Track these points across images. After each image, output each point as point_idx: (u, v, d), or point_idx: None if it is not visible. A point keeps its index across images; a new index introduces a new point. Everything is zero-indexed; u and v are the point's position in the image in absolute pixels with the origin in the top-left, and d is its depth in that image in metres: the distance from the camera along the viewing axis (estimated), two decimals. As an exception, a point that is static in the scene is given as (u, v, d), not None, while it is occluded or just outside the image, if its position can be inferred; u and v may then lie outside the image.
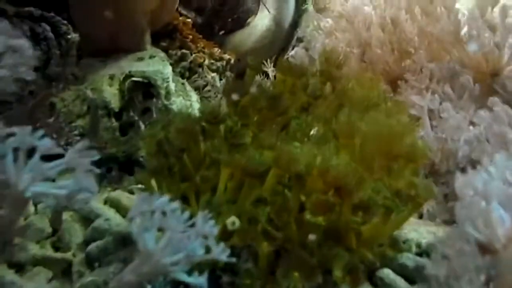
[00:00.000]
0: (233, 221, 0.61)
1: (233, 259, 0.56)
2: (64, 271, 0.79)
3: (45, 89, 0.99)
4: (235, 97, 0.72)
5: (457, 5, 1.15)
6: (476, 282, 0.55)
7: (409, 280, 0.79)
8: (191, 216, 0.56)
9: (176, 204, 0.56)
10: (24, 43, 0.67)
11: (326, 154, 0.62)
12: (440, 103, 1.05)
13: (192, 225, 0.56)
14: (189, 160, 0.70)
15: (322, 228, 0.64)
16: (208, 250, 0.56)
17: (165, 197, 0.55)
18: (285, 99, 0.74)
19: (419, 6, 1.18)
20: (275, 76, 1.29)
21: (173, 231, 0.55)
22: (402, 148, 0.68)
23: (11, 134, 0.52)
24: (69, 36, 1.15)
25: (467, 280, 0.55)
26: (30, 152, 0.53)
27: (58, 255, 0.80)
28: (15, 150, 0.52)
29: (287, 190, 0.64)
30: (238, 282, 0.67)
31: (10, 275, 0.67)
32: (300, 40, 1.43)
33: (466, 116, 1.01)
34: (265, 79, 1.31)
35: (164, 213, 0.57)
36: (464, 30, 1.11)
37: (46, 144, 0.53)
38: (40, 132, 0.53)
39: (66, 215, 0.89)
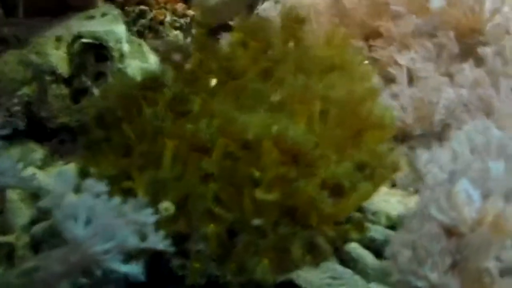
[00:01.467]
0: (166, 207, 0.55)
1: (171, 248, 0.51)
2: (8, 254, 0.74)
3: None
4: (176, 57, 0.64)
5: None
6: (440, 267, 0.50)
7: (378, 253, 0.75)
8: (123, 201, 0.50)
9: (104, 187, 0.49)
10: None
11: (282, 122, 0.56)
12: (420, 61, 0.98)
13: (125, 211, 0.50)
14: (130, 131, 0.63)
15: (277, 207, 0.58)
16: (143, 237, 0.50)
17: (93, 180, 0.49)
18: (239, 63, 0.67)
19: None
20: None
21: (104, 217, 0.49)
22: (364, 116, 0.61)
23: None
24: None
25: (431, 264, 0.50)
26: None
27: (0, 238, 0.74)
28: None
29: (236, 163, 0.58)
30: (189, 265, 0.62)
31: None
32: (271, -7, 1.34)
33: (445, 74, 0.95)
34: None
35: (96, 196, 0.50)
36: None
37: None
38: None
39: (13, 194, 0.83)
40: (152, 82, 0.64)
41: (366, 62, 0.88)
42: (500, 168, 0.49)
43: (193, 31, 1.23)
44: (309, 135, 0.57)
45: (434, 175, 0.50)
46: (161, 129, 0.63)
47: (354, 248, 0.76)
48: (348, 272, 0.71)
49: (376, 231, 0.77)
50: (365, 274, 0.73)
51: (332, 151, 0.58)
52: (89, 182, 0.50)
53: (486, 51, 0.89)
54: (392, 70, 0.97)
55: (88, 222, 0.49)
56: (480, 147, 0.52)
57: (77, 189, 0.51)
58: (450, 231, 0.49)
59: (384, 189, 0.85)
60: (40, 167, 0.91)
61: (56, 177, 0.50)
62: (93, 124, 0.65)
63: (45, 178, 0.84)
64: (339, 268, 0.72)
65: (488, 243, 0.49)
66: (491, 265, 0.49)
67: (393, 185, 0.90)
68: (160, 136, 0.63)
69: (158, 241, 0.50)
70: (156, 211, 0.52)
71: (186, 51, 0.67)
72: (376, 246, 0.76)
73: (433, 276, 0.51)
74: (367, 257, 0.75)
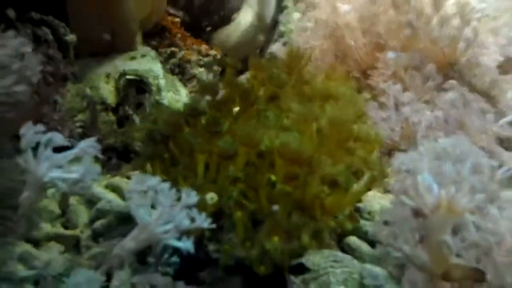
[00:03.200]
0: (211, 197, 0.73)
1: (213, 225, 0.69)
2: (73, 245, 0.92)
3: (49, 88, 1.10)
4: (208, 96, 0.84)
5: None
6: (410, 241, 0.68)
7: (372, 244, 0.92)
8: (178, 193, 0.69)
9: (165, 184, 0.68)
10: (29, 50, 0.78)
11: (286, 136, 0.74)
12: (406, 90, 1.17)
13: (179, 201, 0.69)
14: (174, 147, 0.82)
15: (290, 197, 0.76)
16: (193, 220, 0.68)
17: (156, 178, 0.68)
18: (254, 93, 0.86)
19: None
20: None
21: (164, 206, 0.68)
22: (355, 132, 0.80)
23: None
24: (66, 38, 1.26)
25: (403, 239, 0.68)
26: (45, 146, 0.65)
27: (68, 232, 0.92)
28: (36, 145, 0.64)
29: (255, 169, 0.77)
30: (220, 249, 0.80)
31: (28, 248, 0.79)
32: (281, 35, 1.54)
33: (428, 101, 1.14)
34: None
35: (156, 192, 0.69)
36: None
37: (57, 139, 0.65)
38: (52, 129, 0.65)
39: (72, 199, 1.02)
40: (191, 111, 0.83)
41: (358, 93, 1.06)
42: (451, 166, 0.66)
43: (215, 67, 1.43)
44: (307, 144, 0.76)
45: (403, 172, 0.67)
46: (196, 145, 0.82)
47: (353, 240, 0.93)
48: (347, 257, 0.88)
49: (371, 227, 0.95)
50: (362, 259, 0.89)
51: (328, 157, 0.77)
52: (153, 181, 0.68)
53: (454, 84, 1.07)
54: (382, 99, 1.16)
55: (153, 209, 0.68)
56: (440, 152, 0.70)
57: (146, 188, 0.69)
58: (417, 213, 0.67)
59: (378, 194, 1.03)
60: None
61: (132, 181, 0.68)
62: (146, 142, 0.84)
63: (98, 188, 1.04)
64: (340, 254, 0.89)
65: (445, 222, 0.66)
66: (448, 238, 0.67)
67: (386, 191, 1.08)
68: (195, 150, 0.82)
69: (203, 222, 0.68)
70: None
71: (216, 87, 0.86)
72: (370, 238, 0.93)
73: (406, 248, 0.68)
74: (363, 246, 0.92)
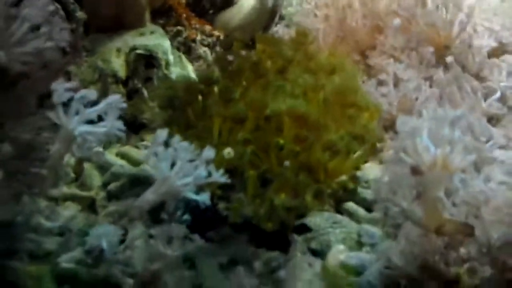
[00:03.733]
0: (228, 151, 0.79)
1: (229, 180, 0.75)
2: (89, 206, 0.98)
3: (65, 58, 1.14)
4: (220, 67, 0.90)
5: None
6: (408, 196, 0.74)
7: (368, 210, 0.99)
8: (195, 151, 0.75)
9: (185, 142, 0.74)
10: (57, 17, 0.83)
11: (293, 102, 0.81)
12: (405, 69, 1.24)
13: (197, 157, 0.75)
14: (191, 112, 0.88)
15: (297, 158, 0.82)
16: (210, 174, 0.74)
17: (177, 136, 0.74)
18: (264, 65, 0.93)
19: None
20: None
21: (183, 161, 0.74)
22: (355, 102, 0.87)
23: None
24: (76, 14, 1.31)
25: (401, 195, 0.74)
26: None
27: (84, 193, 0.98)
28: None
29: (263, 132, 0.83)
30: (230, 207, 0.86)
31: (52, 204, 0.85)
32: (282, 18, 1.60)
33: (425, 79, 1.21)
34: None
35: (175, 149, 0.75)
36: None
37: (91, 95, 0.71)
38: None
39: (86, 164, 1.08)
40: (206, 80, 0.89)
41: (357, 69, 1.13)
42: (447, 129, 0.73)
43: (217, 48, 1.49)
44: (313, 110, 0.83)
45: (404, 131, 0.74)
46: (211, 111, 0.88)
47: (351, 205, 1.00)
48: (345, 219, 0.95)
49: (368, 194, 1.02)
50: (359, 222, 0.97)
51: (332, 123, 0.83)
52: (174, 139, 0.74)
53: (451, 60, 1.15)
54: (381, 77, 1.23)
55: (173, 164, 0.74)
56: (439, 116, 0.76)
57: (166, 144, 0.75)
58: (414, 171, 0.73)
59: (374, 165, 1.10)
60: (104, 147, 1.16)
61: (156, 136, 0.74)
62: (164, 108, 0.90)
63: (108, 154, 1.10)
64: (339, 216, 0.96)
65: (440, 179, 0.73)
66: (442, 195, 0.74)
67: (381, 163, 1.15)
68: (210, 115, 0.88)
69: (220, 177, 0.74)
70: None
71: (229, 59, 0.93)
72: (367, 204, 1.00)
73: (404, 203, 0.75)
74: (360, 211, 0.99)
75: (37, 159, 0.74)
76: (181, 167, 0.73)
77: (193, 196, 0.75)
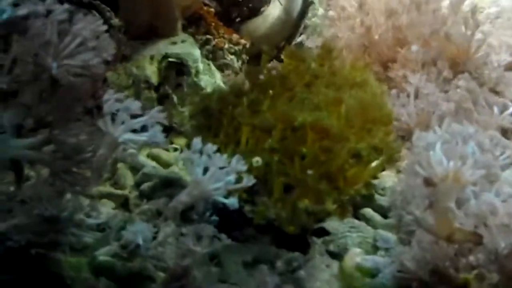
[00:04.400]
0: (257, 160, 0.86)
1: (254, 183, 0.82)
2: (122, 204, 1.06)
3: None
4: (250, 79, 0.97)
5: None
6: (421, 206, 0.80)
7: (384, 216, 1.05)
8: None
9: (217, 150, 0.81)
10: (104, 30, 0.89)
11: (317, 114, 0.88)
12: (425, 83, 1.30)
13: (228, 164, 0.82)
14: (223, 122, 0.96)
15: (320, 167, 0.89)
16: (239, 180, 0.81)
17: (211, 145, 0.81)
18: (292, 79, 0.99)
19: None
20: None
21: (216, 167, 0.81)
22: (376, 115, 0.93)
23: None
24: (111, 21, 1.39)
25: (415, 204, 0.80)
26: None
27: (119, 191, 1.06)
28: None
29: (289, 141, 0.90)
30: (255, 210, 0.93)
31: (94, 202, 0.93)
32: (306, 27, 1.66)
33: (443, 92, 1.26)
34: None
35: (209, 156, 0.83)
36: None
37: (134, 107, 0.78)
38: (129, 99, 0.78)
39: (120, 165, 1.15)
40: (237, 91, 0.97)
41: (379, 82, 1.19)
42: (459, 145, 0.78)
43: (244, 55, 1.56)
44: (335, 122, 0.89)
45: (420, 146, 0.80)
46: (241, 120, 0.95)
47: (367, 211, 1.07)
48: (363, 224, 1.02)
49: (384, 201, 1.08)
50: (375, 227, 1.03)
51: (352, 135, 0.90)
52: (208, 146, 0.81)
53: (467, 78, 1.20)
54: (405, 87, 1.29)
55: (206, 169, 0.81)
56: (452, 133, 0.82)
57: (201, 152, 0.82)
58: (427, 182, 0.79)
59: (391, 174, 1.16)
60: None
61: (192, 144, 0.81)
62: (200, 115, 0.97)
63: (140, 156, 1.18)
64: (357, 221, 1.02)
65: (451, 191, 0.79)
66: (453, 205, 0.79)
67: (398, 172, 1.21)
68: (240, 125, 0.95)
69: (249, 182, 0.81)
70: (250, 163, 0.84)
71: (259, 72, 1.00)
72: (383, 211, 1.06)
73: (416, 212, 0.81)
74: (377, 217, 1.05)
75: (80, 160, 0.81)
76: (214, 172, 0.80)
77: (223, 200, 0.82)
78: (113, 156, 1.04)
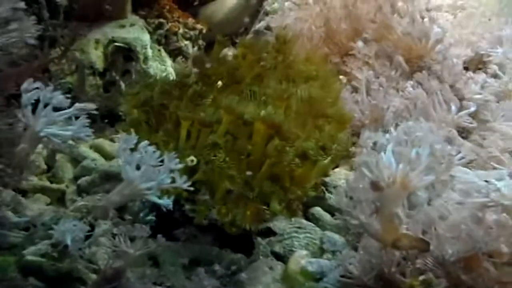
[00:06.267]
0: (191, 159, 0.80)
1: (191, 188, 0.76)
2: (58, 198, 0.99)
3: (41, 50, 1.14)
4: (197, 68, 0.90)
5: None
6: (366, 211, 0.76)
7: (335, 215, 1.01)
8: (161, 156, 0.76)
9: (150, 147, 0.75)
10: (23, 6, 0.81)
11: (268, 109, 0.82)
12: (377, 77, 1.26)
13: (162, 162, 0.76)
14: (164, 115, 0.89)
15: (265, 166, 0.84)
16: (173, 181, 0.76)
17: (144, 141, 0.75)
18: (241, 71, 0.93)
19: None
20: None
21: (148, 165, 0.75)
22: (327, 111, 0.88)
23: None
24: (57, 0, 1.29)
25: (360, 209, 0.76)
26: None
27: (54, 185, 0.99)
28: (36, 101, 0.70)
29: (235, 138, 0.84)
30: (196, 209, 0.88)
31: (18, 197, 0.86)
32: (266, 14, 1.60)
33: (397, 88, 1.22)
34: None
35: (141, 153, 0.76)
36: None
37: (58, 99, 0.71)
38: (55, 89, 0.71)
39: (58, 156, 1.08)
40: (180, 83, 0.90)
41: (336, 75, 1.14)
42: (410, 149, 0.74)
43: (200, 42, 1.49)
44: (286, 118, 0.84)
45: (369, 147, 0.75)
46: (180, 114, 0.89)
47: (317, 210, 1.03)
48: (310, 224, 0.98)
49: (334, 200, 1.04)
50: (324, 227, 0.99)
51: (301, 132, 0.85)
52: (143, 144, 0.75)
53: (424, 75, 1.16)
54: (355, 83, 1.24)
55: (138, 167, 0.75)
56: (404, 135, 0.78)
57: (133, 148, 0.76)
58: (374, 186, 0.75)
59: (344, 171, 1.12)
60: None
61: (121, 140, 0.75)
62: (138, 108, 0.90)
63: (83, 147, 1.10)
64: (304, 221, 0.98)
65: (398, 196, 0.75)
66: (399, 210, 0.76)
67: (352, 169, 1.17)
68: (179, 118, 0.89)
69: (184, 183, 0.75)
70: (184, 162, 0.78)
71: (206, 61, 0.93)
72: (334, 209, 1.02)
73: (362, 217, 0.77)
74: (326, 216, 1.01)
75: (1, 155, 0.74)
76: (146, 171, 0.74)
77: (156, 200, 0.76)
78: (49, 147, 0.98)
